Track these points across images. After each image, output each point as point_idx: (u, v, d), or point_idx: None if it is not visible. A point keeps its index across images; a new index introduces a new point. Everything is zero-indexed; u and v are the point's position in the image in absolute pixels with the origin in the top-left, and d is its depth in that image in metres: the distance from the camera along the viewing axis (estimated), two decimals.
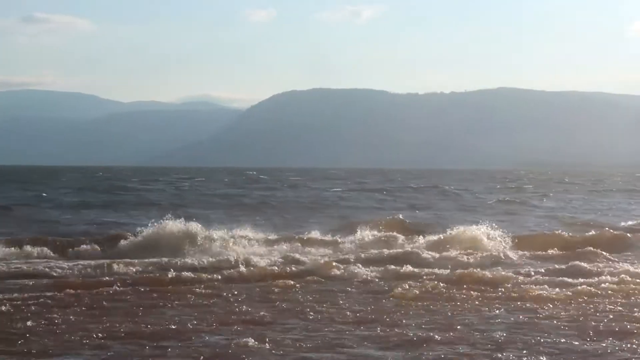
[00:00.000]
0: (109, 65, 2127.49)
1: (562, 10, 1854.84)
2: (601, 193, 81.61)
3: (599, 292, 18.39)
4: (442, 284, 19.26)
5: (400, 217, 38.00)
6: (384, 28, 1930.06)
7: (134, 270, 22.13)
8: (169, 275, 20.55)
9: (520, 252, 27.33)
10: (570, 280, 20.22)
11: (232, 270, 21.74)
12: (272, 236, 30.07)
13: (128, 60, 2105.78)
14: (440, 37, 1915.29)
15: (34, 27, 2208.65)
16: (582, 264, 23.77)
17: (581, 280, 20.23)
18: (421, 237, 30.58)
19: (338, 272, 21.75)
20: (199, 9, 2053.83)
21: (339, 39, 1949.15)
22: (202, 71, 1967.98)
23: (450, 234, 29.74)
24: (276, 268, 22.37)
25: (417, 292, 18.25)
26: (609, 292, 18.40)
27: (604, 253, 27.08)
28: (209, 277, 20.69)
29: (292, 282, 19.95)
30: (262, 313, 15.64)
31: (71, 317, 15.11)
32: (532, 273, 22.01)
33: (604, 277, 20.78)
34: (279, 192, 76.34)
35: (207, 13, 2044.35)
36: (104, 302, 16.81)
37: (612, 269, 23.13)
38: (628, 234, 33.00)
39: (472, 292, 18.44)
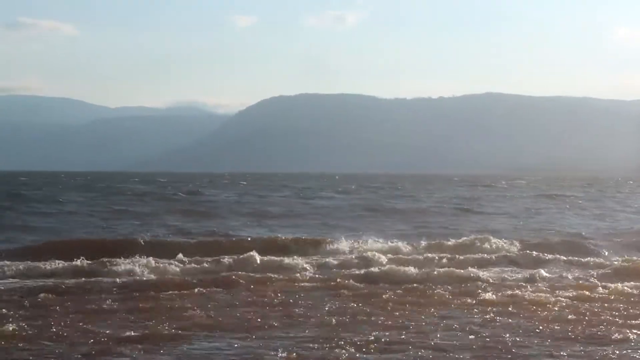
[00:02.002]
0: (96, 70, 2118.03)
1: (548, 15, 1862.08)
2: None
3: None
4: None
5: None
6: (369, 33, 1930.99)
7: None
8: None
9: None
10: None
11: None
12: None
13: (114, 66, 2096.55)
14: (426, 42, 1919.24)
15: (19, 32, 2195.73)
16: None
17: None
18: None
19: None
20: (184, 14, 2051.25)
21: (325, 45, 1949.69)
22: (189, 77, 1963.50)
23: None
24: None
25: None
26: None
27: None
28: None
29: None
30: None
31: None
32: None
33: None
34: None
35: (193, 19, 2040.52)
36: None
37: None
38: None
39: None
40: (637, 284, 20.13)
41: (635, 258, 26.07)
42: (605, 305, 17.17)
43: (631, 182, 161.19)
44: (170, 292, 18.62)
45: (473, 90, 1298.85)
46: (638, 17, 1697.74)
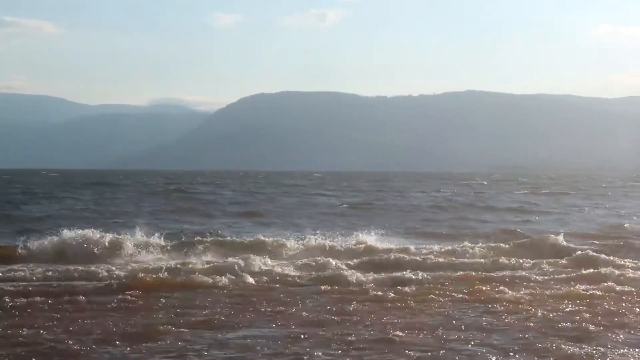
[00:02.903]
0: (77, 68, 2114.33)
1: (529, 13, 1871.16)
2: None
3: None
4: None
5: None
6: (350, 32, 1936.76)
7: None
8: None
9: None
10: None
11: None
12: None
13: (96, 64, 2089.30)
14: (406, 40, 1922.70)
15: (1, 31, 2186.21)
16: None
17: None
18: None
19: None
20: (166, 12, 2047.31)
21: (306, 43, 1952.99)
22: (171, 74, 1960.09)
23: None
24: None
25: None
26: None
27: None
28: None
29: None
30: None
31: None
32: None
33: None
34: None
35: (175, 17, 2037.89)
36: None
37: None
38: None
39: None
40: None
41: None
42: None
43: (619, 180, 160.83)
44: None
45: (454, 88, 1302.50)
46: (621, 14, 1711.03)
